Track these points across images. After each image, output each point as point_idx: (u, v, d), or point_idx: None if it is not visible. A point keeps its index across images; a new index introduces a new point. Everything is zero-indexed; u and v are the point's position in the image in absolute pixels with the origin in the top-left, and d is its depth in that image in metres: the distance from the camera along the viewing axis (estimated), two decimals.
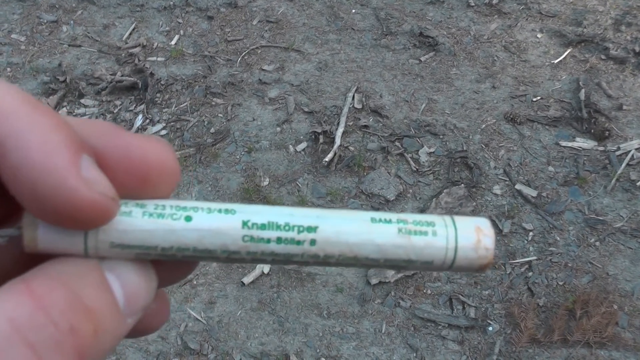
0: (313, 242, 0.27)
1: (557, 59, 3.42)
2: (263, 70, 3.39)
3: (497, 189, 2.83)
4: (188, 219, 0.27)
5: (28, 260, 0.26)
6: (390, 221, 0.29)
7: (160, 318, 0.30)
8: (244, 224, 0.27)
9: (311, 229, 0.28)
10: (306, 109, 3.16)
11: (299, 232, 0.27)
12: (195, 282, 2.56)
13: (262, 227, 0.27)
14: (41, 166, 0.22)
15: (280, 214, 0.28)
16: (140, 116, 3.14)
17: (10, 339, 0.20)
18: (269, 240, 0.27)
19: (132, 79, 3.29)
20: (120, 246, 0.26)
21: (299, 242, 0.27)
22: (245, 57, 3.47)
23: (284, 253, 0.27)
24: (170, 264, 0.30)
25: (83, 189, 0.23)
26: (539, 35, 3.55)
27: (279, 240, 0.27)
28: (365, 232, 0.28)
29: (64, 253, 0.25)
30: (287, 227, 0.27)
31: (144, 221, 0.26)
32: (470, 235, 0.29)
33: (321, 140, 2.98)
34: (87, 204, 0.23)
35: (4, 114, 0.22)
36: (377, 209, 2.75)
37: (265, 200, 2.76)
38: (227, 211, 0.27)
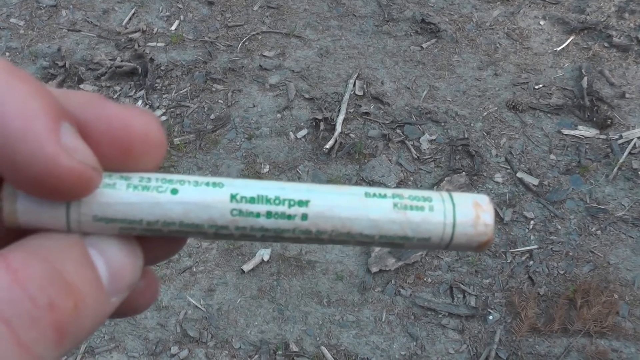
0: (305, 216, 0.26)
1: (559, 46, 3.40)
2: (264, 56, 3.37)
3: (498, 177, 2.82)
4: (174, 191, 0.26)
5: (8, 237, 0.25)
6: (385, 196, 0.28)
7: (148, 297, 0.29)
8: (232, 197, 0.26)
9: (302, 203, 0.26)
10: (307, 96, 3.14)
11: (290, 206, 0.26)
12: (194, 270, 2.55)
13: (251, 200, 0.26)
14: (18, 133, 0.21)
15: (270, 188, 0.27)
16: (140, 102, 3.12)
17: None
18: (258, 215, 0.26)
19: (132, 64, 3.27)
20: (103, 219, 0.25)
21: (289, 217, 0.26)
22: (246, 43, 3.45)
23: (274, 228, 0.26)
24: (157, 241, 0.28)
25: (62, 156, 0.22)
26: (541, 23, 3.52)
27: (268, 214, 0.26)
28: (359, 206, 0.27)
29: (45, 227, 0.24)
30: (277, 201, 0.26)
31: (128, 193, 0.25)
32: (468, 210, 0.28)
33: (322, 127, 2.97)
34: (66, 173, 0.22)
35: None
36: None
37: None
38: (214, 184, 0.26)
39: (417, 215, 0.27)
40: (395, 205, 0.27)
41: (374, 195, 0.27)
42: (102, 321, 0.24)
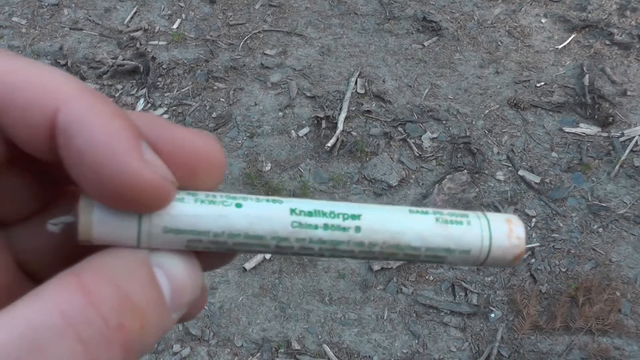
0: (358, 229, 0.28)
1: (561, 44, 3.40)
2: (265, 54, 3.37)
3: (500, 175, 2.82)
4: (238, 205, 0.27)
5: (74, 253, 0.27)
6: (427, 212, 0.30)
7: (199, 306, 0.30)
8: (292, 211, 0.28)
9: (355, 217, 0.28)
10: (308, 94, 3.15)
11: (344, 219, 0.28)
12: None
13: (309, 214, 0.28)
14: (105, 149, 0.23)
15: (324, 204, 0.29)
16: (141, 100, 3.13)
17: (63, 332, 0.21)
18: (316, 227, 0.28)
19: (134, 62, 3.28)
20: (173, 231, 0.26)
21: (344, 229, 0.28)
22: (248, 42, 3.45)
23: (331, 240, 0.28)
24: (213, 254, 0.30)
25: (146, 171, 0.24)
26: (543, 20, 3.52)
27: (325, 226, 0.28)
28: (406, 220, 0.29)
29: (116, 240, 0.25)
30: (332, 215, 0.28)
31: (196, 207, 0.27)
32: (501, 225, 0.30)
33: (323, 126, 2.97)
34: (149, 186, 0.24)
35: (65, 100, 0.23)
36: (380, 195, 2.75)
37: (267, 186, 2.76)
38: (274, 201, 0.28)
39: (457, 229, 0.29)
40: (437, 220, 0.29)
41: (417, 212, 0.30)
42: (163, 336, 0.26)
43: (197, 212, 0.27)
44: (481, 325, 2.42)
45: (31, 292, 0.22)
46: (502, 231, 0.30)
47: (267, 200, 0.28)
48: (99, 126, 0.23)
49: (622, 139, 2.92)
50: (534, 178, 2.80)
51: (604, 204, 2.71)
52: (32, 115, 0.23)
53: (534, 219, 2.68)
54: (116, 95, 3.17)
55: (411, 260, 0.30)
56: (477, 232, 0.29)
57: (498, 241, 0.30)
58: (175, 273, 0.26)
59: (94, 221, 0.25)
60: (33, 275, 0.30)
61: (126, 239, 0.25)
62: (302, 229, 0.28)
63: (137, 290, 0.23)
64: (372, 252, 0.29)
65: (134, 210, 0.25)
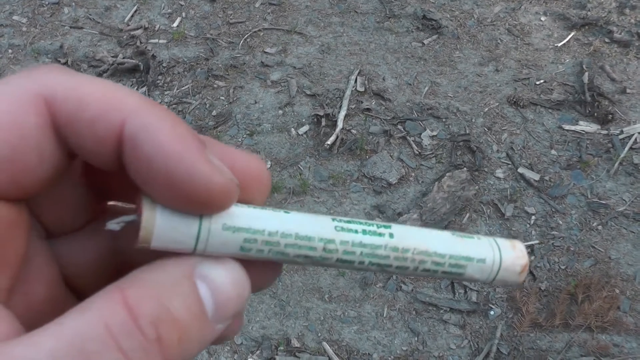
0: (392, 235, 0.31)
1: (560, 42, 3.40)
2: (265, 52, 3.38)
3: (499, 173, 2.82)
4: (287, 212, 0.30)
5: (117, 270, 0.30)
6: (441, 229, 0.34)
7: (234, 329, 0.31)
8: (333, 219, 0.30)
9: (386, 227, 0.31)
10: (308, 92, 3.15)
11: (378, 227, 0.31)
12: None
13: (348, 222, 0.30)
14: (175, 155, 0.24)
15: (357, 218, 0.31)
16: None
17: (106, 344, 0.22)
18: (356, 231, 0.30)
19: (134, 61, 3.28)
20: (231, 229, 0.28)
21: (380, 234, 0.30)
22: (248, 40, 3.45)
23: (370, 243, 0.30)
24: (259, 269, 0.31)
25: (216, 174, 0.25)
26: (542, 18, 3.52)
27: (364, 231, 0.30)
28: (428, 231, 0.32)
29: (176, 239, 0.27)
30: (367, 223, 0.31)
31: (250, 209, 0.29)
32: (505, 242, 0.34)
33: (323, 124, 2.97)
34: (218, 188, 0.25)
35: (131, 112, 0.25)
36: (379, 193, 2.75)
37: None
38: (315, 213, 0.31)
39: (471, 241, 0.33)
40: (453, 234, 0.33)
41: (433, 228, 0.33)
42: (207, 345, 0.27)
43: (252, 213, 0.29)
44: (481, 322, 2.43)
45: (80, 304, 0.23)
46: (507, 244, 0.34)
47: (308, 212, 0.30)
48: (166, 133, 0.25)
49: (621, 136, 2.92)
50: (533, 175, 2.80)
51: (604, 202, 2.72)
52: (101, 129, 0.25)
53: (533, 217, 2.68)
54: None
55: (434, 275, 0.32)
56: (487, 244, 0.33)
57: (506, 252, 0.33)
58: (220, 285, 0.27)
59: (157, 220, 0.26)
60: (75, 289, 0.32)
61: (186, 238, 0.27)
62: (345, 232, 0.30)
63: (177, 304, 0.25)
64: (404, 259, 0.31)
65: (200, 211, 0.26)
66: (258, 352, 2.35)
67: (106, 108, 0.25)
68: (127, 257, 0.32)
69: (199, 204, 0.26)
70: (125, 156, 0.25)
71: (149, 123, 0.25)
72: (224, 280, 0.27)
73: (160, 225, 0.26)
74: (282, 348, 2.35)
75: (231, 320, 0.28)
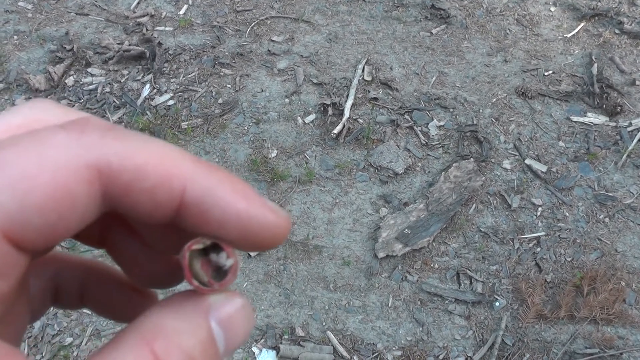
0: None
1: (570, 33, 3.38)
2: (272, 41, 3.36)
3: (506, 164, 2.81)
4: None
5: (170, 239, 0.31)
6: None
7: None
8: None
9: None
10: (315, 81, 3.14)
11: None
12: None
13: None
14: (245, 212, 0.26)
15: None
16: (147, 86, 3.12)
17: None
18: None
19: (140, 48, 3.27)
20: None
21: None
22: (255, 28, 3.44)
23: None
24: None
25: (281, 219, 0.28)
26: (552, 9, 3.50)
27: None
28: None
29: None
30: None
31: None
32: None
33: (330, 112, 2.96)
34: (285, 231, 0.28)
35: (191, 176, 0.26)
36: (386, 182, 2.74)
37: (273, 172, 2.75)
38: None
39: None
40: None
41: None
42: None
43: None
44: (486, 313, 2.42)
45: (107, 356, 0.24)
46: None
47: None
48: (230, 194, 0.26)
49: (630, 128, 2.90)
50: (540, 167, 2.79)
51: (611, 194, 2.70)
52: (161, 196, 0.26)
53: (540, 208, 2.67)
54: (122, 81, 3.17)
55: None
56: None
57: None
58: (231, 325, 0.28)
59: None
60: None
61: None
62: None
63: (198, 353, 0.26)
64: None
65: (267, 249, 0.29)
66: (262, 340, 2.34)
67: (166, 176, 0.26)
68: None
69: (267, 244, 0.28)
70: (187, 217, 0.27)
71: (211, 187, 0.26)
72: (234, 322, 0.28)
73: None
74: (286, 337, 2.34)
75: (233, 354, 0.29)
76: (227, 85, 3.14)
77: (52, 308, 0.34)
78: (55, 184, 0.24)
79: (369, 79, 3.14)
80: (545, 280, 2.47)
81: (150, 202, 0.26)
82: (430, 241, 2.57)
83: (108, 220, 0.31)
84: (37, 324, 2.38)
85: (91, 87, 3.14)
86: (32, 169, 0.24)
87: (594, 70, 3.11)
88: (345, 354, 2.32)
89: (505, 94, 3.08)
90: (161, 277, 0.33)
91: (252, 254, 2.52)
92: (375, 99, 3.05)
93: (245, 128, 2.95)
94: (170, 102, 3.06)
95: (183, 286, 0.28)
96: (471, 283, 2.49)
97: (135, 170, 0.25)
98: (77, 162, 0.24)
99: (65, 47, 3.31)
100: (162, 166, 0.26)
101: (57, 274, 0.33)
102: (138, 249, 0.32)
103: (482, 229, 2.62)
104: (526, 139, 2.89)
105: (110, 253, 0.33)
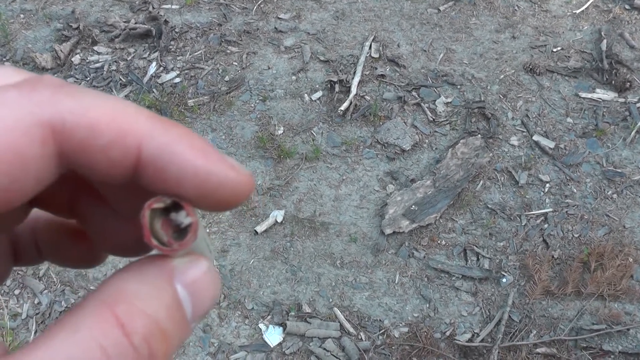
0: None
1: (579, 8, 3.35)
2: (279, 18, 3.35)
3: (514, 140, 2.80)
4: None
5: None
6: None
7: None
8: None
9: None
10: (322, 58, 3.12)
11: None
12: (208, 231, 2.56)
13: None
14: (203, 169, 0.26)
15: None
16: (154, 64, 3.12)
17: None
18: None
19: (146, 26, 3.26)
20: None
21: None
22: (261, 5, 3.43)
23: None
24: None
25: (242, 177, 0.27)
26: None
27: None
28: None
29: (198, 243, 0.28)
30: None
31: None
32: None
33: (337, 90, 2.95)
34: (247, 187, 0.27)
35: (147, 133, 0.25)
36: (393, 159, 2.74)
37: (280, 149, 2.75)
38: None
39: None
40: None
41: None
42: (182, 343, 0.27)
43: None
44: (493, 290, 2.42)
45: (67, 322, 0.24)
46: None
47: None
48: (188, 151, 0.26)
49: (639, 104, 2.88)
50: (548, 143, 2.77)
51: (619, 170, 2.69)
52: (116, 154, 0.25)
53: (547, 184, 2.66)
54: (128, 59, 3.16)
55: None
56: None
57: None
58: (197, 288, 0.27)
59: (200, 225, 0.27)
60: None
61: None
62: None
63: (164, 317, 0.25)
64: None
65: (227, 208, 0.28)
66: (269, 317, 2.35)
67: (120, 133, 0.25)
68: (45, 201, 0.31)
69: (229, 204, 0.27)
70: (145, 175, 0.26)
71: (167, 144, 0.26)
72: (200, 284, 0.27)
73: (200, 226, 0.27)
74: (293, 313, 2.35)
75: (205, 318, 0.28)
76: (234, 63, 3.13)
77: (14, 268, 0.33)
78: (4, 145, 0.23)
79: (376, 56, 3.13)
80: (553, 257, 2.46)
81: (106, 160, 0.25)
82: (437, 218, 2.56)
83: (76, 190, 0.31)
84: (45, 301, 2.40)
85: (97, 65, 3.14)
86: None
87: (603, 46, 3.09)
88: (352, 330, 2.32)
89: (513, 71, 3.06)
90: (132, 245, 0.32)
91: (258, 230, 2.52)
92: (383, 75, 3.03)
93: (252, 105, 2.94)
94: (177, 80, 3.05)
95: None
96: (478, 259, 2.48)
97: (89, 128, 0.24)
98: (29, 121, 0.23)
99: (71, 26, 3.30)
100: (117, 123, 0.25)
101: (14, 234, 0.33)
102: (107, 218, 0.31)
103: (490, 206, 2.61)
104: (534, 116, 2.88)
105: (81, 223, 0.32)
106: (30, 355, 0.22)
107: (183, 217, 0.27)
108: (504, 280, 2.43)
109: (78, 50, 3.20)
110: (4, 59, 3.17)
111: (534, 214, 2.58)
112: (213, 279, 0.28)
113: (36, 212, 0.33)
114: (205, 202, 0.27)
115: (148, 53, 3.18)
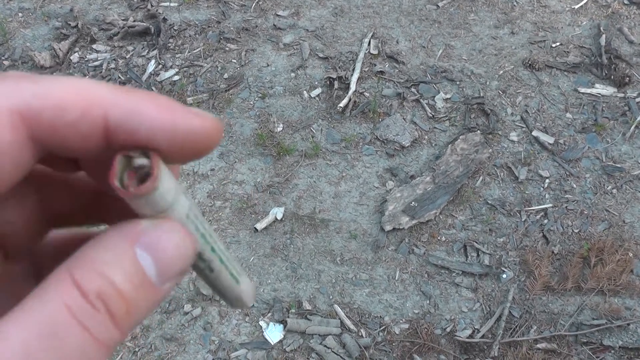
0: None
1: (577, 4, 3.35)
2: (278, 15, 3.35)
3: (513, 136, 2.80)
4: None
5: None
6: None
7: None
8: None
9: None
10: (321, 55, 3.12)
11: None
12: None
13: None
14: (172, 123, 0.27)
15: None
16: (152, 61, 3.12)
17: (70, 323, 0.24)
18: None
19: (145, 24, 3.26)
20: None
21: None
22: (260, 3, 3.42)
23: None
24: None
25: (208, 123, 0.28)
26: None
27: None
28: None
29: (165, 198, 0.28)
30: None
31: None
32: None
33: (336, 86, 2.95)
34: (217, 132, 0.28)
35: (110, 102, 0.26)
36: (392, 156, 2.74)
37: (279, 147, 2.75)
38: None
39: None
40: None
41: None
42: (158, 305, 0.28)
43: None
44: (493, 285, 2.42)
45: (37, 290, 0.25)
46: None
47: None
48: (152, 110, 0.27)
49: (638, 99, 2.88)
50: (547, 139, 2.77)
51: (619, 165, 2.69)
52: (85, 127, 0.26)
53: (547, 180, 2.66)
54: (127, 57, 3.16)
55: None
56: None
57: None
58: (161, 249, 0.27)
59: (164, 173, 0.28)
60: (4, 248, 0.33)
61: (170, 195, 0.28)
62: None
63: (119, 277, 0.26)
64: None
65: (202, 155, 0.29)
66: (269, 314, 2.35)
67: (85, 106, 0.26)
68: (59, 217, 0.33)
69: (200, 150, 0.28)
70: (118, 142, 0.27)
71: (132, 107, 0.26)
72: (164, 245, 0.28)
73: (165, 178, 0.27)
74: (293, 310, 2.35)
75: (179, 279, 0.29)
76: (233, 60, 3.13)
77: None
78: None
79: (375, 52, 3.12)
80: (553, 252, 2.46)
81: (77, 135, 0.26)
82: (437, 214, 2.56)
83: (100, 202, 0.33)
84: None
85: (96, 63, 3.14)
86: None
87: (602, 41, 3.09)
88: (352, 327, 2.32)
89: (512, 66, 3.06)
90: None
91: (258, 227, 2.52)
92: (382, 72, 3.03)
93: (251, 103, 2.94)
94: (176, 78, 3.05)
95: None
96: (478, 255, 2.48)
97: (55, 107, 0.26)
98: None
99: (69, 24, 3.30)
100: (80, 97, 0.26)
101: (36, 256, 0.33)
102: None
103: (489, 201, 2.61)
104: (533, 111, 2.88)
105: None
106: (8, 326, 0.24)
107: (143, 160, 0.28)
108: (504, 276, 2.43)
109: (77, 49, 3.20)
110: (2, 58, 3.17)
111: (533, 210, 2.58)
112: (179, 238, 0.28)
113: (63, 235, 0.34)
114: (178, 154, 0.28)
115: (147, 51, 3.18)
